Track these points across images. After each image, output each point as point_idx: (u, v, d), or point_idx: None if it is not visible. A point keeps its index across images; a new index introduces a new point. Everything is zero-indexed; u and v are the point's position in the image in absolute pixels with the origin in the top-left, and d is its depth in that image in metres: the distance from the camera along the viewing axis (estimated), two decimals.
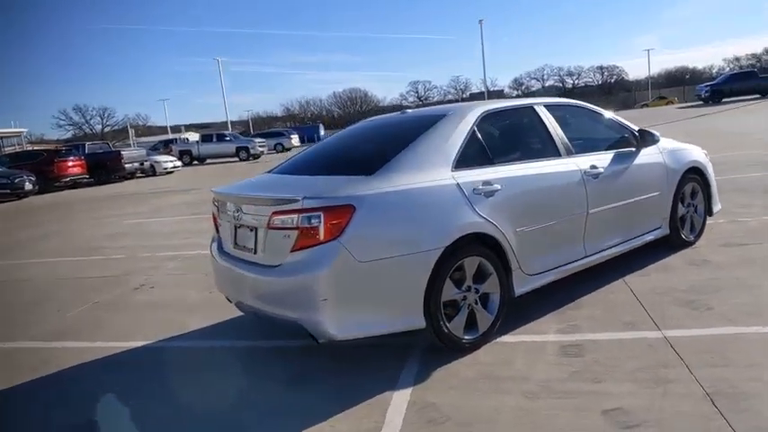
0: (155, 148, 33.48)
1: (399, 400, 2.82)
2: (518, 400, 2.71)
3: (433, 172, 3.23)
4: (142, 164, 24.88)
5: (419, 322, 3.06)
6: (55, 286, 5.97)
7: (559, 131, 3.96)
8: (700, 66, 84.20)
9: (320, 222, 2.85)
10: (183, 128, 68.63)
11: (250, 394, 3.12)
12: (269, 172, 4.10)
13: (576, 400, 2.65)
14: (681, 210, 4.71)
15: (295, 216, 2.91)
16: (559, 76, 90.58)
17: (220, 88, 64.07)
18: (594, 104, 4.68)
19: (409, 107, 32.10)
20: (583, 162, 3.94)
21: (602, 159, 4.08)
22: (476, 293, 3.28)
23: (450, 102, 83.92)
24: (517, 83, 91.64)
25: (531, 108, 3.99)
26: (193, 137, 43.29)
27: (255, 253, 3.22)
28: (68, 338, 4.26)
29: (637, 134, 4.47)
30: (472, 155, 3.44)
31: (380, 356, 3.33)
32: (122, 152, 24.87)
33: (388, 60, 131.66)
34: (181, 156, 31.76)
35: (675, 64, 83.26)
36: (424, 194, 3.13)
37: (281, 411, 2.89)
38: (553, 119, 4.00)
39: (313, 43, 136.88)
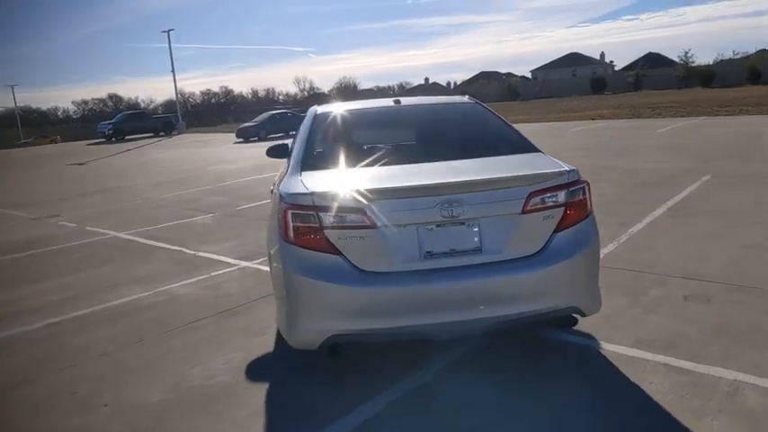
0: None
1: (661, 357, 3.11)
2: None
3: None
4: None
5: None
6: None
7: None
8: (41, 107, 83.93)
9: (586, 194, 2.89)
10: None
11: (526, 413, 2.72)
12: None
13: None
14: None
15: (563, 192, 2.79)
16: None
17: None
18: None
19: None
20: None
21: None
22: None
23: None
24: None
25: None
26: None
27: (482, 252, 2.73)
28: None
29: None
30: None
31: (542, 348, 3.41)
32: None
33: None
34: None
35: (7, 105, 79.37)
36: None
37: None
38: None
39: None
